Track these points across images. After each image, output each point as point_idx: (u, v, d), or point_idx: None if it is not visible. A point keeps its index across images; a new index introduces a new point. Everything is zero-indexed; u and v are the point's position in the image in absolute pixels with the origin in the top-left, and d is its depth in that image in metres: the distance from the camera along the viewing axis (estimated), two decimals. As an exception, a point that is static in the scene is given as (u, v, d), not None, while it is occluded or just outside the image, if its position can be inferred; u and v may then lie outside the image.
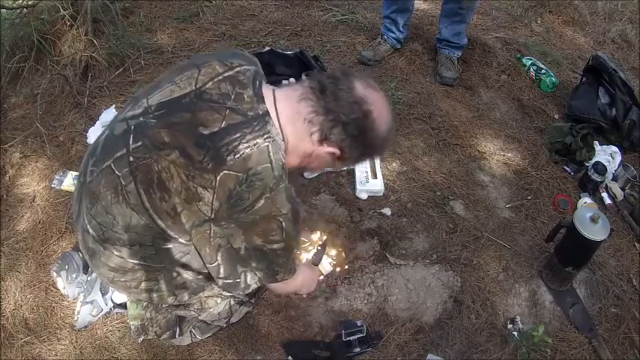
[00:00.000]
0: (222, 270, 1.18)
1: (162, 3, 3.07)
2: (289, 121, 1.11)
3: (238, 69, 1.14)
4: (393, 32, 2.64)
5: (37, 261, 1.87)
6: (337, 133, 1.10)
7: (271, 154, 1.05)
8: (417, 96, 2.50)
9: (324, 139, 1.12)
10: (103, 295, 1.71)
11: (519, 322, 1.72)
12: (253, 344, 1.66)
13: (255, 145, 1.04)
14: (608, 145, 2.30)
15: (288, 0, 3.12)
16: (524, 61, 2.72)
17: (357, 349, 1.61)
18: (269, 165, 1.05)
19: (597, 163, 2.14)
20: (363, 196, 2.05)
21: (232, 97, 1.08)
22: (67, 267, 1.76)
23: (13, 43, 2.55)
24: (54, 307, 1.75)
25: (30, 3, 2.63)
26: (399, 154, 2.24)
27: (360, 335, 1.63)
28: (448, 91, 2.56)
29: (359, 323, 1.66)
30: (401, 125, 2.36)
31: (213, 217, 1.05)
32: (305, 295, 1.72)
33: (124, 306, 1.69)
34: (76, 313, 1.71)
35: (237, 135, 1.04)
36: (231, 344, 1.65)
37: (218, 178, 1.02)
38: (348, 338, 1.62)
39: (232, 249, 1.11)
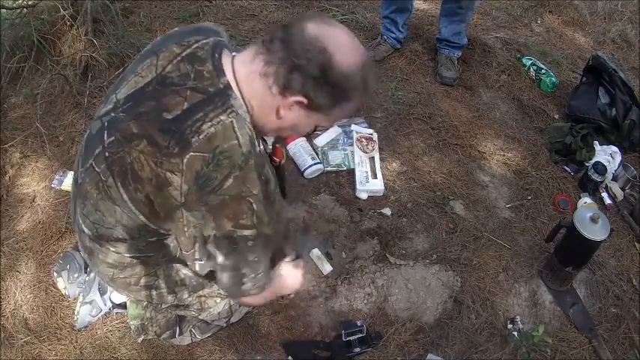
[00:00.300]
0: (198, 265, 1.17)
1: (162, 3, 3.07)
2: (247, 84, 1.05)
3: (196, 45, 1.09)
4: (393, 32, 2.64)
5: (37, 261, 1.87)
6: (296, 79, 0.99)
7: (237, 129, 1.01)
8: (417, 96, 2.50)
9: (284, 90, 1.01)
10: (102, 295, 1.71)
11: (519, 322, 1.72)
12: (253, 344, 1.66)
13: (218, 122, 1.00)
14: (608, 145, 2.30)
15: (288, 0, 3.12)
16: (524, 61, 2.72)
17: (357, 349, 1.61)
18: (236, 142, 1.00)
19: (597, 163, 2.14)
20: (363, 196, 2.05)
21: (192, 76, 1.04)
22: (68, 267, 1.76)
23: (13, 43, 2.54)
24: (54, 307, 1.75)
25: (30, 3, 2.63)
26: (399, 154, 2.24)
27: (360, 335, 1.63)
28: (448, 91, 2.56)
29: (359, 323, 1.66)
30: (401, 125, 2.36)
31: (183, 201, 1.02)
32: (291, 295, 1.69)
33: (123, 306, 1.69)
34: (75, 313, 1.71)
35: (200, 114, 1.00)
36: (231, 344, 1.65)
37: (185, 160, 0.99)
38: (348, 338, 1.62)
39: (203, 237, 1.08)
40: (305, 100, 1.02)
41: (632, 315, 1.78)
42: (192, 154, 0.99)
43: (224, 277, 1.17)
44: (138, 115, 1.04)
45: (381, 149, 2.22)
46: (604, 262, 1.91)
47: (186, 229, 1.08)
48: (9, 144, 2.24)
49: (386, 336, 1.68)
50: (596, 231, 1.63)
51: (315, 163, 2.09)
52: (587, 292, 1.85)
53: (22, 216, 2.02)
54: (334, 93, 1.02)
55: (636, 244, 2.01)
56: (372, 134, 2.25)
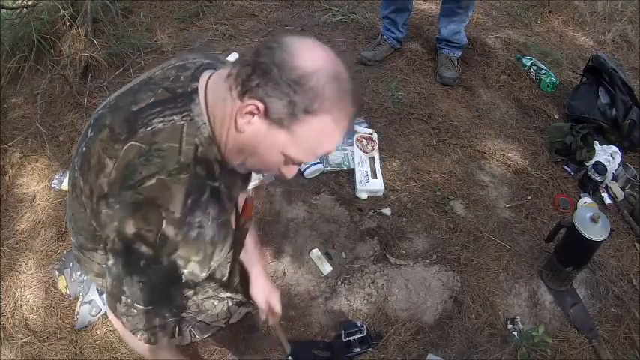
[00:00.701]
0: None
1: (162, 3, 3.07)
2: (212, 90, 0.97)
3: (192, 60, 1.07)
4: (393, 32, 2.64)
5: (37, 261, 1.87)
6: (254, 80, 0.87)
7: (184, 134, 0.94)
8: (417, 96, 2.50)
9: (243, 92, 0.89)
10: (100, 294, 1.71)
11: (519, 322, 1.72)
12: (253, 344, 1.66)
13: (170, 121, 0.94)
14: (608, 145, 2.30)
15: (288, 0, 3.12)
16: (524, 61, 2.72)
17: (357, 349, 1.61)
18: (177, 146, 0.93)
19: (597, 163, 2.14)
20: (363, 196, 2.05)
21: (171, 78, 1.01)
22: (71, 265, 1.77)
23: (13, 43, 2.55)
24: (54, 307, 1.75)
25: (30, 3, 2.63)
26: (399, 154, 2.24)
27: (360, 335, 1.63)
28: (448, 91, 2.56)
29: (359, 323, 1.66)
30: (401, 125, 2.36)
31: (106, 192, 0.95)
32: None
33: (123, 306, 1.69)
34: (75, 312, 1.71)
35: (158, 109, 0.96)
36: (231, 344, 1.65)
37: (125, 148, 0.94)
38: (348, 338, 1.62)
39: (105, 240, 1.00)
40: (261, 105, 0.87)
41: (632, 315, 1.78)
42: (132, 142, 0.94)
43: (107, 280, 1.05)
44: (115, 109, 1.02)
45: (381, 149, 2.22)
46: (604, 262, 1.91)
47: (105, 228, 0.98)
48: (9, 144, 2.24)
49: (386, 336, 1.68)
50: (596, 231, 1.63)
51: (315, 163, 2.09)
52: (587, 292, 1.85)
53: (22, 216, 2.02)
54: (292, 97, 0.86)
55: (636, 244, 2.01)
56: (372, 134, 2.25)
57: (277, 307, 1.42)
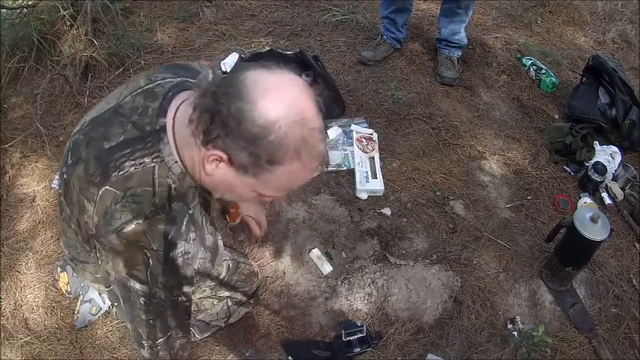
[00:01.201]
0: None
1: (162, 3, 3.07)
2: (179, 130, 0.95)
3: (159, 82, 1.03)
4: (393, 32, 2.64)
5: (37, 261, 1.87)
6: (214, 130, 0.84)
7: (156, 176, 0.94)
8: (417, 96, 2.50)
9: (206, 141, 0.86)
10: (100, 293, 1.71)
11: (519, 322, 1.72)
12: (253, 344, 1.66)
13: (141, 164, 0.94)
14: (608, 145, 2.30)
15: (288, 0, 3.12)
16: (524, 61, 2.72)
17: (357, 349, 1.61)
18: (150, 189, 0.94)
19: (597, 163, 2.14)
20: (363, 196, 2.05)
21: (140, 110, 0.99)
22: (72, 263, 1.77)
23: (13, 43, 2.55)
24: (54, 307, 1.75)
25: (30, 3, 2.63)
26: (399, 154, 2.24)
27: (360, 335, 1.63)
28: (448, 91, 2.56)
29: (359, 323, 1.66)
30: (401, 125, 2.36)
31: (94, 232, 0.98)
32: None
33: (123, 306, 1.69)
34: (75, 312, 1.71)
35: (128, 150, 0.95)
36: (231, 344, 1.65)
37: (100, 192, 0.95)
38: (348, 338, 1.62)
39: (107, 274, 1.03)
40: (224, 156, 0.86)
41: (632, 315, 1.78)
42: (107, 187, 0.95)
43: (128, 325, 1.09)
44: (90, 140, 1.02)
45: (381, 149, 2.22)
46: (604, 262, 1.91)
47: (100, 262, 1.02)
48: (9, 144, 2.25)
49: (386, 336, 1.68)
50: (596, 231, 1.63)
51: (315, 163, 2.08)
52: (587, 292, 1.85)
53: (22, 216, 2.02)
54: (252, 151, 0.83)
55: (636, 244, 2.01)
56: (372, 134, 2.25)
57: (263, 221, 1.54)
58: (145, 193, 0.94)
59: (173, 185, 0.96)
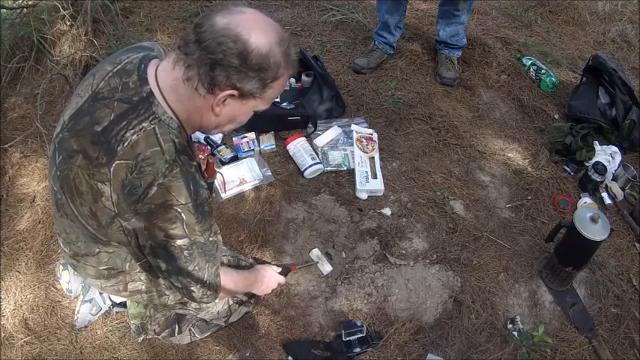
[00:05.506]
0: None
1: (162, 3, 3.07)
2: (172, 91, 1.04)
3: (126, 61, 1.10)
4: (384, 37, 2.58)
5: (37, 261, 1.87)
6: (219, 74, 0.98)
7: (159, 135, 1.01)
8: (417, 96, 2.50)
9: (212, 88, 1.00)
10: (101, 293, 1.71)
11: (519, 322, 1.72)
12: (253, 344, 1.66)
13: (141, 129, 1.01)
14: (608, 145, 2.30)
15: (288, 0, 3.12)
16: (524, 61, 2.72)
17: (357, 349, 1.61)
18: (158, 148, 1.01)
19: (597, 163, 2.14)
20: (363, 196, 2.05)
21: (120, 88, 1.05)
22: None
23: (13, 43, 2.55)
24: (54, 307, 1.76)
25: (30, 3, 2.63)
26: (399, 154, 2.24)
27: (360, 335, 1.63)
28: (448, 91, 2.56)
29: (359, 323, 1.66)
30: (401, 125, 2.36)
31: (117, 211, 1.03)
32: (262, 296, 1.68)
33: (123, 304, 1.69)
34: (76, 312, 1.71)
35: (124, 123, 1.01)
36: (231, 344, 1.65)
37: (112, 169, 1.00)
38: (348, 338, 1.62)
39: (140, 247, 1.09)
40: (235, 92, 1.02)
41: (632, 315, 1.78)
42: (117, 162, 1.00)
43: (174, 280, 1.16)
44: (77, 132, 1.06)
45: (381, 149, 2.22)
46: (604, 262, 1.91)
47: (129, 239, 1.08)
48: (9, 144, 2.25)
49: (386, 336, 1.68)
50: (596, 231, 1.63)
51: (315, 163, 2.09)
52: (587, 292, 1.85)
53: (22, 216, 2.02)
54: (261, 76, 1.01)
55: (636, 244, 2.01)
56: (372, 134, 2.25)
57: (283, 280, 1.65)
58: (155, 153, 1.00)
59: (176, 140, 1.03)
